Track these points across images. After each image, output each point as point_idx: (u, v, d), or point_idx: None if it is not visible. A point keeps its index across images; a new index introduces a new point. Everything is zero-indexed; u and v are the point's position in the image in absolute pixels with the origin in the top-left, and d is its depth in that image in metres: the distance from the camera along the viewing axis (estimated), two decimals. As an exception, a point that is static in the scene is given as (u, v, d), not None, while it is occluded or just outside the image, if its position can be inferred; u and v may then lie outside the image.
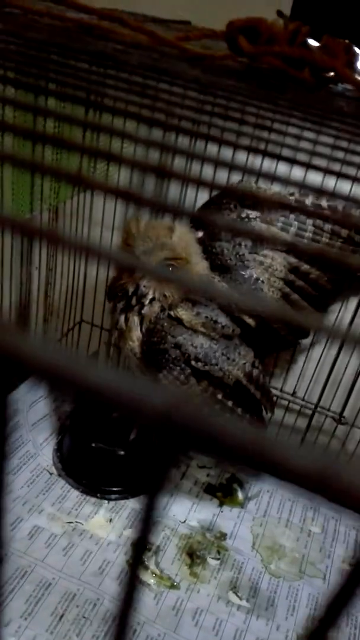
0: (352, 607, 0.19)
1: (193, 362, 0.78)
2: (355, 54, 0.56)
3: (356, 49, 0.56)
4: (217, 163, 0.33)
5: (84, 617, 0.71)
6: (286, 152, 0.69)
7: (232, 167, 0.38)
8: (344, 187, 0.85)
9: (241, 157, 0.89)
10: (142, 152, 0.90)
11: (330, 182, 0.85)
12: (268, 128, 0.38)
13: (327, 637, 0.19)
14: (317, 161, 0.38)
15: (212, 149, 0.90)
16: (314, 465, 0.13)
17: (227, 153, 0.89)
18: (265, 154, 0.38)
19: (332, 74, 0.54)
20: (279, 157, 0.38)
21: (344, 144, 0.41)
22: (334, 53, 0.53)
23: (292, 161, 0.37)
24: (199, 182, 0.34)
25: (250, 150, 0.36)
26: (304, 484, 0.13)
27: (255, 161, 0.88)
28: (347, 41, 0.55)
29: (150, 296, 0.78)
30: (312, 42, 0.55)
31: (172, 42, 0.56)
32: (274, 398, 1.00)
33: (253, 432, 0.13)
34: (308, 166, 0.36)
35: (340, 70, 0.53)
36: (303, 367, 1.00)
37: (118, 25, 0.57)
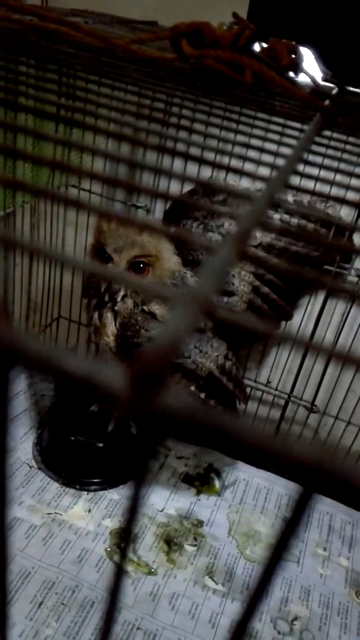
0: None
1: (166, 355, 0.81)
2: (300, 55, 0.58)
3: (302, 49, 0.59)
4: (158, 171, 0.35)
5: (63, 604, 0.74)
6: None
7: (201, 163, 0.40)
8: (309, 181, 0.88)
9: (210, 154, 0.91)
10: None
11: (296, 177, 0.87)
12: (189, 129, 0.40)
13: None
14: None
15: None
16: (264, 440, 0.15)
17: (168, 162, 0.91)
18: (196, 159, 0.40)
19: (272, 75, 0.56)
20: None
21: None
22: (278, 54, 0.56)
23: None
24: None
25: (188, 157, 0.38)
26: (257, 456, 0.15)
27: (224, 160, 0.90)
28: (293, 43, 0.58)
29: (122, 293, 0.80)
30: (258, 45, 0.58)
31: (122, 45, 0.58)
32: (248, 389, 1.02)
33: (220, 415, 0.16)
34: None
35: (287, 65, 0.56)
36: (275, 358, 1.03)
37: (70, 29, 0.58)
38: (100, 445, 0.95)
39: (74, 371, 0.16)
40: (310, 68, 0.59)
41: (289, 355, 1.01)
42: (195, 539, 0.89)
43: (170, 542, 0.87)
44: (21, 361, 0.16)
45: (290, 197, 0.86)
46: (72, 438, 0.95)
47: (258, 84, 0.55)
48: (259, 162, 0.38)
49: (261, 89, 0.55)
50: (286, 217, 0.85)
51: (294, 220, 0.86)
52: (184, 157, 0.86)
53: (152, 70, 0.54)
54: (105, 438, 0.96)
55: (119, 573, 0.25)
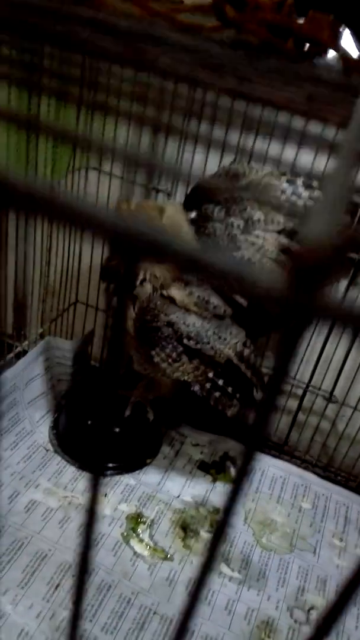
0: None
1: (185, 340, 0.80)
2: (339, 31, 0.56)
3: (341, 26, 0.57)
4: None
5: (80, 587, 0.74)
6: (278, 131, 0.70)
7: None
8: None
9: (234, 137, 0.89)
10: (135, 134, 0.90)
11: (322, 160, 0.86)
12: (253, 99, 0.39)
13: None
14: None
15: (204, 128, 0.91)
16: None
17: (219, 133, 0.90)
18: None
19: (315, 47, 0.54)
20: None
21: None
22: (319, 27, 0.54)
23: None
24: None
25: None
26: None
27: (248, 141, 0.89)
28: (332, 17, 0.56)
29: (141, 277, 0.80)
30: (299, 19, 0.56)
31: (163, 13, 0.57)
32: (266, 378, 1.01)
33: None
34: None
35: (325, 40, 0.54)
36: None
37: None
38: (117, 430, 0.95)
39: (227, 270, 0.15)
40: (347, 45, 0.57)
41: (308, 344, 1.00)
42: (211, 525, 0.89)
43: (186, 529, 0.87)
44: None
45: (315, 182, 0.85)
46: (89, 422, 0.95)
47: (302, 54, 0.54)
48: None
49: (305, 59, 0.54)
50: (310, 202, 0.84)
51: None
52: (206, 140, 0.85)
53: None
54: (122, 423, 0.95)
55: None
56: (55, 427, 0.99)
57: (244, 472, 0.20)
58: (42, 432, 0.98)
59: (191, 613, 0.24)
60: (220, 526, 0.21)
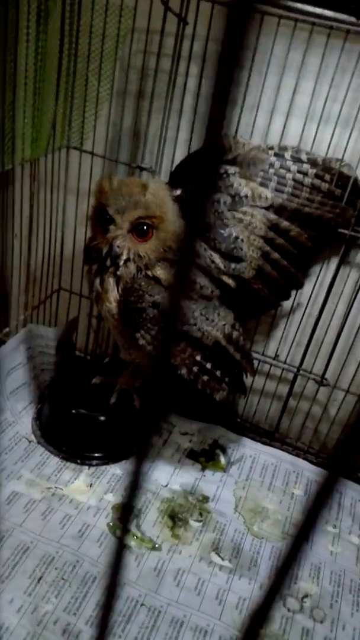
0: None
1: (171, 322, 0.77)
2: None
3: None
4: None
5: (63, 579, 0.70)
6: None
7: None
8: (325, 136, 0.84)
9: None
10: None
11: (311, 131, 0.83)
12: None
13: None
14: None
15: (188, 101, 0.88)
16: None
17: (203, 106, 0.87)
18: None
19: None
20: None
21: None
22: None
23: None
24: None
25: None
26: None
27: (234, 113, 0.86)
28: None
29: (124, 257, 0.76)
30: None
31: None
32: (256, 362, 0.99)
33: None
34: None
35: None
36: (284, 330, 0.99)
37: None
38: (103, 418, 0.92)
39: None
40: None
41: (298, 327, 0.97)
42: (200, 514, 0.86)
43: (174, 518, 0.84)
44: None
45: (304, 155, 0.82)
46: (74, 411, 0.91)
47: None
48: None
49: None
50: (299, 176, 0.81)
51: (307, 180, 0.81)
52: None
53: None
54: (107, 411, 0.92)
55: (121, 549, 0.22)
56: (38, 417, 0.96)
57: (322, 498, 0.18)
58: (24, 422, 0.95)
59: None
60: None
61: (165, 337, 0.19)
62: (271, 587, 0.23)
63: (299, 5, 0.76)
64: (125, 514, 0.22)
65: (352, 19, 0.75)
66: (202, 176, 0.17)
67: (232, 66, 0.15)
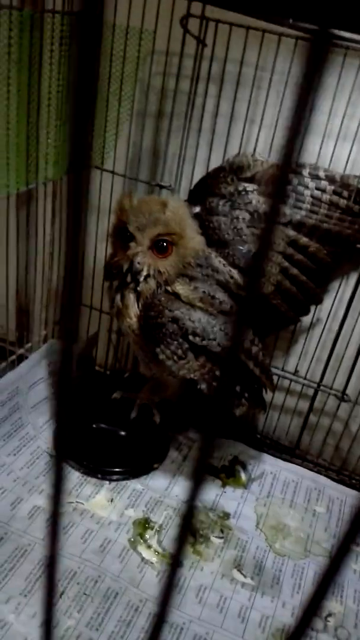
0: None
1: (191, 337, 0.77)
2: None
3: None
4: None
5: (85, 594, 0.70)
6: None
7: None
8: (343, 153, 0.85)
9: (238, 127, 0.88)
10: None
11: (328, 149, 0.84)
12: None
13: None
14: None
15: (207, 121, 0.90)
16: None
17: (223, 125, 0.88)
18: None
19: None
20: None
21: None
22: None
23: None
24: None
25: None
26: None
27: (252, 131, 0.87)
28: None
29: (144, 273, 0.77)
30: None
31: None
32: (275, 378, 0.99)
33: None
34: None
35: None
36: (304, 346, 0.99)
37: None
38: (123, 433, 0.92)
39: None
40: None
41: (318, 342, 0.97)
42: (222, 531, 0.85)
43: (195, 534, 0.83)
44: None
45: (322, 172, 0.83)
46: (94, 426, 0.92)
47: None
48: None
49: None
50: (317, 192, 0.82)
51: (326, 196, 0.82)
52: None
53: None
54: (127, 426, 0.93)
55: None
56: (59, 432, 0.97)
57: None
58: (45, 437, 0.95)
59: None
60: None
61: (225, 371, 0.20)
62: (305, 611, 0.22)
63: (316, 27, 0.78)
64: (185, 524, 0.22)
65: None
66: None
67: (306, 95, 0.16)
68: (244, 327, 0.19)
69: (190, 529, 0.23)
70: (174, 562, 0.24)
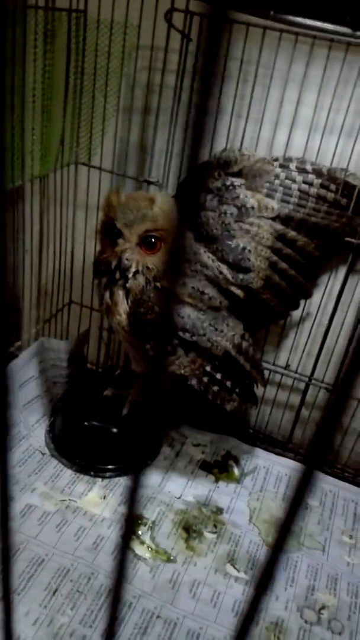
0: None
1: (180, 333, 0.77)
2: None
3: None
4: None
5: (78, 591, 0.70)
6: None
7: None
8: (329, 146, 0.85)
9: (224, 122, 0.88)
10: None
11: (315, 142, 0.84)
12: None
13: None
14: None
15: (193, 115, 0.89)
16: None
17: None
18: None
19: None
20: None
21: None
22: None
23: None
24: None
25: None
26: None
27: (239, 126, 0.87)
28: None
29: (133, 269, 0.77)
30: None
31: None
32: (266, 372, 0.99)
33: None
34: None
35: None
36: (294, 340, 0.99)
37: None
38: (115, 430, 0.92)
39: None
40: None
41: (308, 336, 0.97)
42: (215, 526, 0.85)
43: (189, 529, 0.83)
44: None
45: (309, 166, 0.83)
46: (86, 423, 0.92)
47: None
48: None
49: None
50: (304, 186, 0.82)
51: (313, 190, 0.82)
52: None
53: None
54: (119, 423, 0.93)
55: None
56: (51, 430, 0.96)
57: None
58: (38, 435, 0.95)
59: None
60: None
61: (160, 341, 0.20)
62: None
63: (299, 20, 0.78)
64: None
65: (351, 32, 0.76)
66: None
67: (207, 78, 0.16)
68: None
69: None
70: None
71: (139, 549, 0.79)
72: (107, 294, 0.80)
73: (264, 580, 0.21)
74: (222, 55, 0.84)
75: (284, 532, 0.21)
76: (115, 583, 0.25)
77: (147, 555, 0.78)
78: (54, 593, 0.69)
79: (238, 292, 0.83)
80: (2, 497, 0.23)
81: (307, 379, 1.00)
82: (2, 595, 0.24)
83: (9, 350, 1.02)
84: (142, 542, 0.80)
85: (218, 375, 0.82)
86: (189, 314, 0.78)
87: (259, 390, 0.91)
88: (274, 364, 1.01)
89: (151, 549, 0.79)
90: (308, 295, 0.90)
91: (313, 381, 0.99)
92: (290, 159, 0.83)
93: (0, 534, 0.23)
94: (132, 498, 0.22)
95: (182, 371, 0.80)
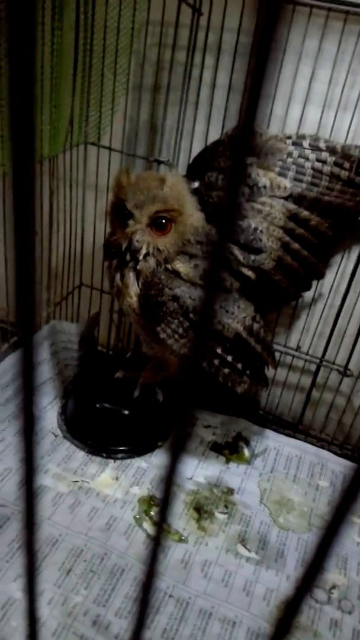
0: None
1: (191, 315, 0.77)
2: None
3: None
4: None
5: (92, 571, 0.71)
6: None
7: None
8: (344, 123, 0.83)
9: (236, 99, 0.86)
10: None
11: (329, 119, 0.82)
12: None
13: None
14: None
15: (204, 93, 0.88)
16: None
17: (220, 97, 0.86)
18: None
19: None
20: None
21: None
22: None
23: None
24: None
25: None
26: None
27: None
28: None
29: (144, 251, 0.76)
30: None
31: None
32: (277, 354, 0.98)
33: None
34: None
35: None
36: (306, 322, 0.98)
37: None
38: (126, 412, 0.92)
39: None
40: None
41: (320, 317, 0.96)
42: (226, 506, 0.86)
43: (200, 510, 0.84)
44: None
45: (322, 143, 0.81)
46: (98, 405, 0.92)
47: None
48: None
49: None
50: (318, 164, 0.80)
51: (327, 168, 0.80)
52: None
53: None
54: (131, 405, 0.93)
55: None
56: (63, 412, 0.97)
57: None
58: (50, 417, 0.96)
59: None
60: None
61: (197, 336, 0.19)
62: (302, 581, 0.23)
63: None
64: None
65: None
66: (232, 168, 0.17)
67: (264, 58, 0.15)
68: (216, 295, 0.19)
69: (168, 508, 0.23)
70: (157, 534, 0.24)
71: (151, 530, 0.79)
72: (117, 276, 0.80)
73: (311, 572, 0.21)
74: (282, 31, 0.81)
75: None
76: (147, 575, 0.25)
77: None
78: (67, 573, 0.70)
79: (249, 273, 0.82)
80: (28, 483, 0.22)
81: (318, 361, 0.99)
82: (26, 582, 0.24)
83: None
84: (155, 523, 0.80)
85: (229, 358, 0.81)
86: (200, 296, 0.78)
87: (269, 372, 0.91)
88: (285, 346, 1.01)
89: (163, 529, 0.79)
90: (320, 276, 0.89)
91: (324, 363, 0.98)
92: (303, 136, 0.82)
93: (26, 523, 0.23)
94: (170, 480, 0.22)
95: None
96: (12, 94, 0.17)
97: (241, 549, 0.80)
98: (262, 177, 0.79)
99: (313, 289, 0.91)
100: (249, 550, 0.80)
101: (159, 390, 0.96)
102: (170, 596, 0.71)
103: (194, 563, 0.76)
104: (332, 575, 0.78)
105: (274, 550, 0.80)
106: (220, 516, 0.84)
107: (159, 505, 0.22)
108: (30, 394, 0.20)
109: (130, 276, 0.79)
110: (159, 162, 0.92)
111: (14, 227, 0.19)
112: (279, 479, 0.93)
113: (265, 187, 0.79)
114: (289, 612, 0.22)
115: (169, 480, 0.22)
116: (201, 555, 0.77)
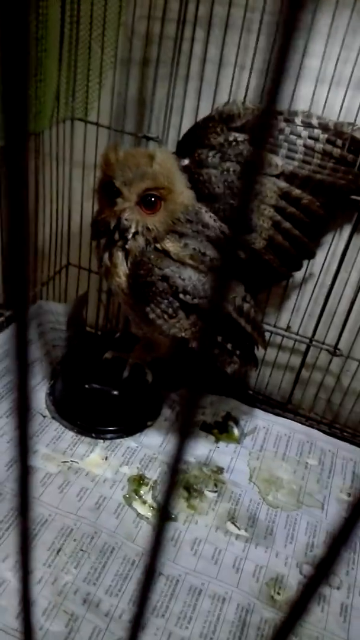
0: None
1: (181, 295, 0.76)
2: None
3: None
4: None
5: (82, 550, 0.72)
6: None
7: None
8: (337, 99, 0.81)
9: (227, 73, 0.84)
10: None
11: (322, 95, 0.80)
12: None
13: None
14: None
15: (194, 67, 0.86)
16: None
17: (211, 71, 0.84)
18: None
19: None
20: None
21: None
22: None
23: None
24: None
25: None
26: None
27: (242, 78, 0.83)
28: None
29: (133, 230, 0.75)
30: None
31: None
32: (267, 334, 0.98)
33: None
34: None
35: None
36: (296, 301, 0.98)
37: None
38: (116, 392, 0.92)
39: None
40: None
41: (310, 297, 0.96)
42: (215, 485, 0.86)
43: (189, 489, 0.84)
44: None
45: (315, 120, 0.80)
46: (87, 386, 0.92)
47: None
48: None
49: None
50: (310, 142, 0.79)
51: (319, 146, 0.79)
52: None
53: None
54: (120, 386, 0.92)
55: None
56: (51, 393, 0.96)
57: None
58: (38, 398, 0.95)
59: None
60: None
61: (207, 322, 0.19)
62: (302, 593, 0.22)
63: None
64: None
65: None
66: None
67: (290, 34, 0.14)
68: (229, 282, 0.18)
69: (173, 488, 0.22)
70: (162, 516, 0.24)
71: (140, 509, 0.79)
72: (106, 256, 0.79)
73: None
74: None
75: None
76: (150, 559, 0.24)
77: (149, 514, 0.79)
78: (57, 552, 0.71)
79: (240, 253, 0.81)
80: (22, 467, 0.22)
81: (308, 341, 0.99)
82: (21, 568, 0.24)
83: (7, 313, 1.01)
84: (144, 502, 0.80)
85: (219, 338, 0.81)
86: (189, 276, 0.77)
87: (259, 352, 0.90)
88: (275, 326, 1.00)
89: (153, 508, 0.80)
90: (312, 255, 0.88)
91: (314, 343, 0.99)
92: (295, 113, 0.80)
93: (20, 504, 0.22)
94: (176, 464, 0.22)
95: (183, 334, 0.79)
96: (4, 66, 0.16)
97: (231, 527, 0.80)
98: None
99: (304, 268, 0.91)
100: (238, 528, 0.80)
101: (148, 370, 0.96)
102: (160, 574, 0.71)
103: (183, 541, 0.76)
104: (321, 551, 0.79)
105: (263, 527, 0.81)
106: (210, 495, 0.85)
107: (163, 494, 0.22)
108: (24, 374, 0.20)
109: (119, 255, 0.78)
110: (148, 139, 0.90)
111: (7, 203, 0.18)
112: (268, 457, 0.94)
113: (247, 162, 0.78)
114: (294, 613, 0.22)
115: (174, 468, 0.21)
116: (191, 533, 0.78)
